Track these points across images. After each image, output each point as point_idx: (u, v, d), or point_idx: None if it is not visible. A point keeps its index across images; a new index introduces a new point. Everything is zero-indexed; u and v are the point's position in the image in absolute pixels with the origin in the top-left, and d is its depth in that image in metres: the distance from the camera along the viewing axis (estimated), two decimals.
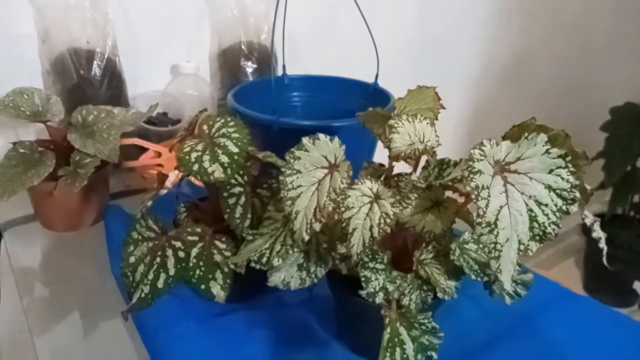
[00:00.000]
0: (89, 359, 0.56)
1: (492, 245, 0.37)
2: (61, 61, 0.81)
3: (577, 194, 0.39)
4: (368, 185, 0.45)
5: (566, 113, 1.90)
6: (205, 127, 0.51)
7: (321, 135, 0.47)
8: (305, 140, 0.47)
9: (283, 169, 0.46)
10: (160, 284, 0.47)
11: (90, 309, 0.63)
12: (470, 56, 1.52)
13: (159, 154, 0.89)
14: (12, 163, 0.69)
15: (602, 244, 0.44)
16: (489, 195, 0.39)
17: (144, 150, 0.88)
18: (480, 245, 0.50)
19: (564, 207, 0.39)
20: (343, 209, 0.44)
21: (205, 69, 1.01)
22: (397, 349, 0.42)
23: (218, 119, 0.52)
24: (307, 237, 0.45)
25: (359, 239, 0.43)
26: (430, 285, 0.47)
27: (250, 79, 1.00)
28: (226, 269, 0.51)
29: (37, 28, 0.83)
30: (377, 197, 0.44)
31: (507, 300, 0.49)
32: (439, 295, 0.47)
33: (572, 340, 0.58)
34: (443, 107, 0.55)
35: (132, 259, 0.49)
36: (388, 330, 0.42)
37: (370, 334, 0.52)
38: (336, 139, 0.47)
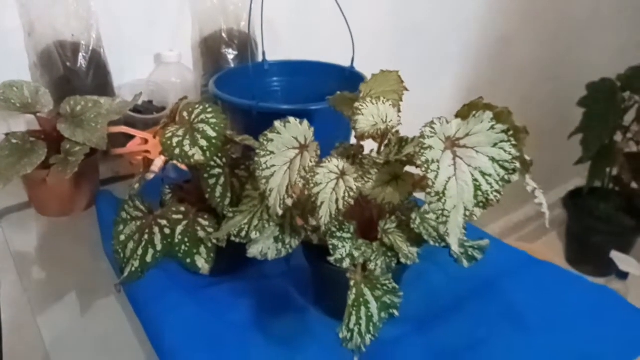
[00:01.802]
0: (87, 332, 0.60)
1: (440, 212, 0.42)
2: (47, 54, 0.84)
3: (518, 165, 0.44)
4: (335, 163, 0.49)
5: (546, 91, 1.95)
6: (185, 113, 0.56)
7: (291, 119, 0.51)
8: (277, 123, 0.51)
9: (258, 151, 0.51)
10: (148, 258, 0.52)
11: (85, 287, 0.68)
12: (448, 39, 1.55)
13: (145, 141, 0.93)
14: (5, 153, 0.72)
15: (545, 209, 0.49)
16: (439, 168, 0.43)
17: (131, 137, 0.91)
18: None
19: (505, 177, 0.44)
20: (312, 185, 0.48)
21: (188, 57, 1.04)
22: (362, 308, 0.47)
23: (197, 106, 0.56)
24: (280, 212, 0.49)
25: (326, 211, 0.47)
26: (394, 252, 0.52)
27: (232, 65, 1.03)
28: (209, 244, 0.55)
29: (22, 22, 0.86)
30: (342, 174, 0.49)
31: (465, 263, 0.54)
32: (402, 260, 0.51)
33: (531, 301, 0.63)
34: (406, 89, 0.59)
35: (122, 237, 0.53)
36: (354, 291, 0.47)
37: (342, 298, 0.57)
38: (305, 122, 0.52)
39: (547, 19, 1.79)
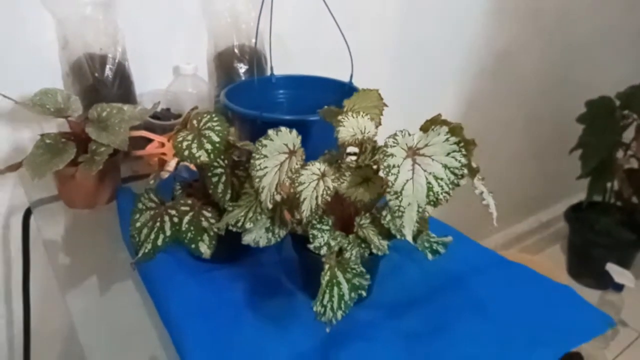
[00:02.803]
0: (108, 308, 0.70)
1: (397, 208, 0.51)
2: (78, 65, 0.95)
3: (466, 171, 0.52)
4: (317, 167, 0.59)
5: (548, 106, 2.02)
6: (195, 121, 0.65)
7: (282, 128, 0.61)
8: (270, 131, 0.61)
9: (253, 154, 0.60)
10: (159, 242, 0.62)
11: (106, 271, 0.78)
12: (451, 54, 1.63)
13: (162, 144, 1.03)
14: (40, 152, 0.83)
15: (492, 210, 0.57)
16: (399, 172, 0.52)
17: (149, 141, 1.02)
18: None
19: (455, 181, 0.52)
20: (297, 184, 0.57)
21: (203, 70, 1.14)
22: (335, 288, 0.56)
23: (205, 115, 0.66)
24: (270, 206, 0.59)
25: (307, 206, 0.56)
26: (367, 243, 0.60)
27: (242, 78, 1.13)
28: (211, 233, 0.65)
29: (57, 36, 0.97)
30: (323, 175, 0.58)
31: (429, 256, 0.63)
32: (374, 250, 0.60)
33: (495, 294, 0.70)
34: (386, 105, 0.68)
35: (138, 224, 0.63)
36: (328, 273, 0.56)
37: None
38: (294, 131, 0.61)
39: (550, 36, 1.86)
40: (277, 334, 0.62)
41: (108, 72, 0.95)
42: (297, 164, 0.58)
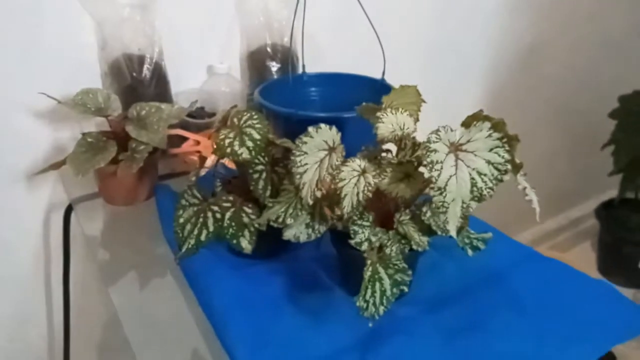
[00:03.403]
0: (150, 301, 0.72)
1: (441, 204, 0.51)
2: (117, 65, 0.97)
3: (509, 167, 0.52)
4: (357, 163, 0.59)
5: (579, 102, 1.98)
6: (235, 119, 0.67)
7: (322, 125, 0.62)
8: (310, 129, 0.62)
9: (293, 151, 0.61)
10: (202, 237, 0.63)
11: (147, 265, 0.80)
12: (480, 51, 1.62)
13: (198, 142, 1.05)
14: (82, 150, 0.86)
15: (535, 205, 0.57)
16: (442, 168, 0.52)
17: (185, 139, 1.04)
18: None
19: (498, 176, 0.52)
20: (338, 180, 0.58)
21: (236, 69, 1.16)
22: (377, 283, 0.56)
23: (245, 113, 0.67)
24: (311, 202, 0.60)
25: (349, 202, 0.57)
26: (407, 239, 0.61)
27: (275, 77, 1.14)
28: (252, 228, 0.66)
29: (96, 38, 1.00)
30: (363, 172, 0.59)
31: (470, 252, 0.63)
32: (414, 247, 0.61)
33: (531, 290, 0.70)
34: (424, 102, 0.69)
35: (181, 220, 0.65)
36: (370, 268, 0.56)
37: (362, 279, 0.67)
38: (334, 128, 0.62)
39: (581, 31, 1.83)
40: (317, 328, 0.63)
41: (146, 71, 0.97)
42: (337, 161, 0.59)
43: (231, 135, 0.64)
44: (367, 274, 0.56)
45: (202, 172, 0.96)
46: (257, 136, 0.64)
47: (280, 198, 0.66)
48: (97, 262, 0.84)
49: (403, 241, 0.61)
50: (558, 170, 2.14)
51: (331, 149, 0.61)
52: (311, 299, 0.68)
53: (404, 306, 0.66)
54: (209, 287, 0.66)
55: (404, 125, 0.63)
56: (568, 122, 2.02)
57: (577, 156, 2.16)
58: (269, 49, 1.12)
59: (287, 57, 1.14)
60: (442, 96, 1.48)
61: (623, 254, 2.00)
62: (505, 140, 0.53)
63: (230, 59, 1.13)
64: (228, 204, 0.65)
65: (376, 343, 0.61)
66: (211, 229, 0.63)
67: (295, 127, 0.85)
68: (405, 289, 0.57)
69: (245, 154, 0.63)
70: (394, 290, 0.57)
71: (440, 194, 0.51)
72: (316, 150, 0.61)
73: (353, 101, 1.07)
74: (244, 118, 0.66)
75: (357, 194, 0.57)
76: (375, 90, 1.05)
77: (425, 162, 0.52)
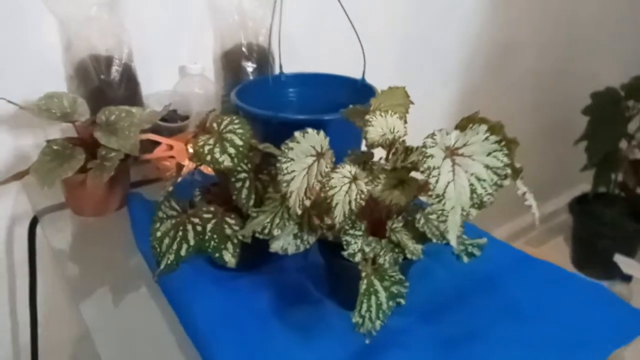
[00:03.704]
0: (124, 316, 0.67)
1: (441, 212, 0.48)
2: (83, 67, 0.91)
3: (509, 171, 0.50)
4: (348, 169, 0.56)
5: (552, 99, 2.00)
6: (214, 124, 0.62)
7: (309, 130, 0.58)
8: (297, 133, 0.58)
9: (279, 157, 0.57)
10: (182, 252, 0.59)
11: (120, 279, 0.75)
12: (455, 48, 1.61)
13: (171, 147, 1.00)
14: (47, 158, 0.80)
15: (534, 210, 0.55)
16: (439, 174, 0.49)
17: (157, 144, 0.99)
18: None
19: (498, 182, 0.50)
20: (328, 188, 0.55)
21: (209, 70, 1.11)
22: (373, 297, 0.53)
23: (225, 118, 0.63)
24: (299, 212, 0.56)
25: (340, 211, 0.54)
26: (401, 248, 0.58)
27: (251, 77, 1.10)
28: (235, 240, 0.62)
29: (60, 38, 0.93)
30: (354, 178, 0.55)
31: (465, 259, 0.60)
32: (408, 255, 0.58)
33: (527, 295, 0.68)
34: (412, 103, 0.66)
35: (158, 234, 0.60)
36: (365, 281, 0.53)
37: (354, 290, 0.63)
38: (322, 132, 0.58)
39: (555, 28, 1.84)
40: (308, 344, 0.59)
41: (114, 73, 0.92)
42: (327, 167, 0.55)
43: (211, 141, 0.60)
44: (362, 287, 0.53)
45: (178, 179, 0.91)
46: (239, 142, 0.60)
47: (264, 207, 0.62)
48: (66, 277, 0.78)
49: (396, 250, 0.58)
50: (531, 166, 2.15)
51: (319, 155, 0.57)
52: (300, 313, 0.64)
53: (397, 317, 0.63)
54: (190, 305, 0.62)
55: (394, 128, 0.60)
56: (541, 118, 2.04)
57: (550, 152, 2.18)
58: (244, 49, 1.08)
59: (263, 57, 1.10)
60: (418, 94, 1.46)
61: (598, 248, 2.03)
62: (503, 143, 0.50)
63: (203, 60, 1.09)
64: (209, 215, 0.61)
65: (371, 358, 0.58)
66: (192, 242, 0.59)
67: (274, 131, 0.82)
68: (402, 301, 0.54)
69: (227, 162, 0.59)
70: (390, 303, 0.54)
71: (439, 201, 0.48)
72: (303, 157, 0.57)
73: (333, 102, 1.05)
74: (224, 123, 0.62)
75: (349, 202, 0.53)
76: (355, 91, 1.03)
77: (422, 169, 0.49)
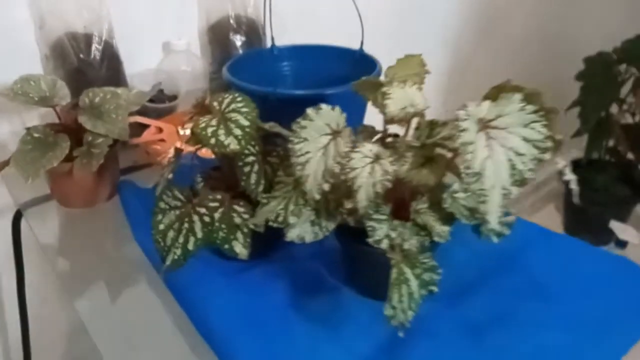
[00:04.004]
0: (121, 311, 0.63)
1: (480, 192, 0.44)
2: (60, 46, 0.84)
3: (550, 144, 0.45)
4: (368, 148, 0.51)
5: (543, 65, 1.97)
6: (215, 104, 0.57)
7: (323, 105, 0.53)
8: (309, 110, 0.53)
9: (291, 138, 0.52)
10: (190, 246, 0.53)
11: (115, 272, 0.69)
12: (445, 16, 1.56)
13: (160, 130, 0.94)
14: (28, 147, 0.73)
15: (573, 185, 0.51)
16: (475, 149, 0.45)
17: (145, 127, 0.92)
18: (469, 193, 0.57)
19: (538, 156, 0.45)
20: (348, 170, 0.50)
21: (195, 45, 1.04)
22: (403, 286, 0.49)
23: (226, 95, 0.57)
24: (318, 197, 0.51)
25: (364, 195, 0.49)
26: (427, 231, 0.54)
27: (240, 51, 1.03)
28: (245, 230, 0.57)
29: (32, 15, 0.85)
30: (377, 158, 0.50)
31: (495, 239, 0.56)
32: (435, 239, 0.54)
33: (550, 272, 0.65)
34: (428, 72, 0.61)
35: (161, 227, 0.55)
36: (395, 270, 0.49)
37: (375, 277, 0.59)
38: (337, 108, 0.53)
39: None
40: (333, 337, 0.55)
41: (94, 52, 0.84)
42: (346, 147, 0.50)
43: (213, 122, 0.54)
44: (393, 276, 0.48)
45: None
46: (244, 122, 0.54)
47: (275, 192, 0.57)
48: (57, 273, 0.73)
49: (422, 233, 0.54)
50: None
51: (335, 133, 0.52)
52: (318, 303, 0.60)
53: (422, 303, 0.59)
54: (202, 302, 0.57)
55: (413, 101, 0.55)
56: (532, 84, 2.00)
57: None
58: (232, 21, 1.01)
59: (252, 30, 1.03)
60: None
61: (590, 215, 2.03)
62: (542, 113, 0.46)
63: (188, 34, 1.01)
64: (215, 204, 0.56)
65: (400, 349, 0.54)
66: (199, 235, 0.54)
67: (272, 108, 0.76)
68: (435, 289, 0.50)
69: (233, 145, 0.53)
70: (422, 291, 0.50)
71: (478, 180, 0.44)
72: (317, 136, 0.52)
73: (330, 75, 0.99)
74: (226, 101, 0.56)
75: (374, 184, 0.49)
76: (353, 62, 0.97)
77: (457, 144, 0.44)
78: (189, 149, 0.80)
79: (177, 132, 0.95)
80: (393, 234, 0.51)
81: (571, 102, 1.85)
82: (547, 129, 0.46)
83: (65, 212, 0.81)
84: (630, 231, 1.71)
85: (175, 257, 0.53)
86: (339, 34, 0.96)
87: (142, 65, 0.98)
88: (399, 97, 0.54)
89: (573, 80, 1.82)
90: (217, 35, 1.02)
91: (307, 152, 0.52)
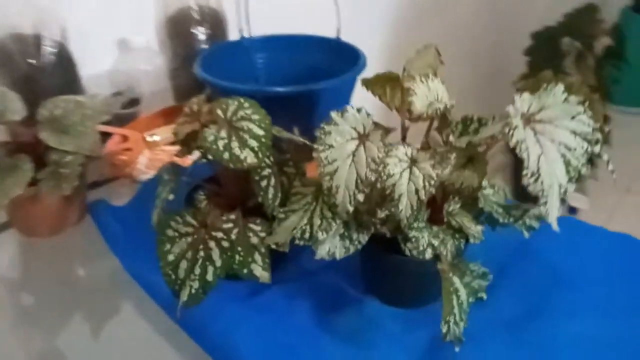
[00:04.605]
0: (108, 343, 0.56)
1: (540, 193, 0.41)
2: (3, 50, 0.73)
3: (599, 136, 0.43)
4: (402, 151, 0.47)
5: (490, 41, 2.00)
6: (219, 111, 0.50)
7: (349, 108, 0.48)
8: (333, 114, 0.48)
9: (316, 146, 0.47)
10: (209, 277, 0.47)
11: (93, 307, 0.62)
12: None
13: (125, 138, 0.85)
14: None
15: (611, 167, 0.49)
16: (528, 148, 0.42)
17: (106, 136, 0.82)
18: (495, 189, 0.54)
19: (589, 149, 0.43)
20: (385, 177, 0.45)
21: (153, 41, 0.94)
22: (454, 297, 0.46)
23: (230, 101, 0.51)
24: (351, 209, 0.46)
25: (405, 203, 0.45)
26: (462, 233, 0.51)
27: (204, 46, 0.95)
28: (263, 250, 0.51)
29: None
30: (413, 161, 0.46)
31: (526, 234, 0.54)
32: (471, 240, 0.51)
33: (568, 259, 0.65)
34: (442, 63, 0.57)
35: (170, 257, 0.48)
36: (445, 282, 0.45)
37: (404, 285, 0.56)
38: (363, 110, 0.48)
39: None
40: (367, 354, 0.51)
41: (46, 55, 0.74)
42: (381, 152, 0.45)
43: (223, 134, 0.48)
44: (445, 289, 0.45)
45: (143, 178, 0.78)
46: (259, 131, 0.48)
47: (293, 205, 0.51)
48: (24, 310, 0.63)
49: (457, 236, 0.51)
50: (470, 111, 2.17)
51: (362, 137, 0.47)
52: (346, 320, 0.55)
53: None
54: (226, 336, 0.50)
55: (437, 95, 0.51)
56: (478, 64, 2.03)
57: (488, 93, 2.20)
58: (193, 13, 0.92)
59: (217, 21, 0.95)
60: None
61: None
62: (587, 104, 0.44)
63: (145, 29, 0.92)
64: (229, 225, 0.49)
65: (442, 357, 0.51)
66: (218, 263, 0.47)
67: None
68: (484, 296, 0.47)
69: (250, 158, 0.47)
70: (470, 299, 0.47)
71: (536, 180, 0.41)
72: (343, 141, 0.47)
73: (306, 66, 0.94)
74: (232, 108, 0.50)
75: (417, 191, 0.45)
76: (330, 52, 0.92)
77: (512, 143, 0.41)
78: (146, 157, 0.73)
79: (144, 139, 0.87)
80: (435, 242, 0.47)
81: (519, 76, 1.90)
82: (593, 120, 0.43)
83: (29, 242, 0.71)
84: (581, 198, 1.79)
85: (193, 290, 0.47)
86: (309, 22, 0.90)
87: (95, 67, 0.88)
88: (423, 93, 0.50)
89: (521, 55, 1.86)
90: (178, 28, 0.93)
91: (334, 160, 0.47)
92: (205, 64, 0.79)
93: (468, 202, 0.51)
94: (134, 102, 0.89)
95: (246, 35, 0.88)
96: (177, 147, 0.89)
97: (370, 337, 0.53)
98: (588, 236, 0.70)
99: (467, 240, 0.51)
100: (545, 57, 1.76)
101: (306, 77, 0.79)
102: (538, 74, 1.79)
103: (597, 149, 0.43)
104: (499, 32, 2.00)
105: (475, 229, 0.50)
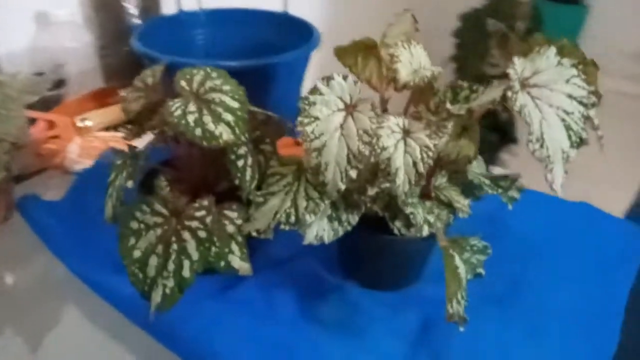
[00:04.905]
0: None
1: (546, 159, 0.39)
2: None
3: (595, 99, 0.42)
4: (393, 121, 0.43)
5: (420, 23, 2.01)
6: (183, 82, 0.43)
7: (335, 75, 0.43)
8: (319, 83, 0.43)
9: (300, 119, 0.42)
10: (185, 272, 0.41)
11: (29, 313, 0.53)
12: None
13: (52, 124, 0.75)
14: None
15: (603, 142, 0.49)
16: (530, 112, 0.40)
17: (31, 121, 0.72)
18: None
19: (585, 113, 0.42)
20: (379, 150, 0.41)
21: (77, 14, 0.84)
22: (455, 275, 0.43)
23: (195, 71, 0.44)
24: (343, 187, 0.42)
25: (403, 177, 0.41)
26: (452, 208, 0.48)
27: (136, 20, 0.86)
28: (240, 238, 0.46)
29: None
30: (406, 132, 0.43)
31: (510, 206, 0.53)
32: (460, 215, 0.48)
33: (535, 230, 0.65)
34: (417, 30, 0.54)
35: (137, 254, 0.41)
36: (448, 260, 0.43)
37: (384, 268, 0.53)
38: (349, 79, 0.44)
39: None
40: (362, 346, 0.48)
41: None
42: (373, 122, 0.42)
43: (192, 107, 0.41)
44: (447, 268, 0.42)
45: (75, 166, 0.69)
46: (233, 104, 0.43)
47: (272, 187, 0.46)
48: None
49: (446, 211, 0.48)
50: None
51: (349, 107, 0.43)
52: (329, 308, 0.51)
53: (431, 286, 0.54)
54: (203, 337, 0.45)
55: (421, 63, 0.48)
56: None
57: None
58: None
59: None
60: None
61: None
62: (581, 67, 0.42)
63: (67, 0, 0.81)
64: (202, 212, 0.43)
65: (435, 336, 0.49)
66: (195, 256, 0.41)
67: None
68: (482, 272, 0.45)
69: (226, 134, 0.41)
70: (469, 276, 0.44)
71: (541, 145, 0.39)
72: (330, 113, 0.43)
73: (252, 42, 0.87)
74: (197, 79, 0.44)
75: (414, 164, 0.41)
76: (276, 26, 0.86)
77: (516, 108, 0.39)
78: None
79: (74, 124, 0.77)
80: (431, 218, 0.45)
81: (447, 58, 1.94)
82: (588, 84, 0.42)
83: None
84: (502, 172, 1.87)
85: (167, 290, 0.40)
86: None
87: (12, 44, 0.76)
88: (407, 60, 0.47)
89: (449, 37, 1.90)
90: (106, 2, 0.83)
91: (321, 134, 0.42)
92: (142, 39, 0.71)
93: (453, 176, 0.49)
94: (59, 83, 0.79)
95: (186, 8, 0.81)
96: (112, 133, 0.81)
97: (357, 323, 0.50)
98: (549, 206, 0.71)
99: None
100: (473, 38, 1.81)
101: (253, 55, 0.73)
102: (466, 55, 1.84)
103: (592, 112, 0.42)
104: (428, 14, 2.02)
105: (462, 203, 0.48)
